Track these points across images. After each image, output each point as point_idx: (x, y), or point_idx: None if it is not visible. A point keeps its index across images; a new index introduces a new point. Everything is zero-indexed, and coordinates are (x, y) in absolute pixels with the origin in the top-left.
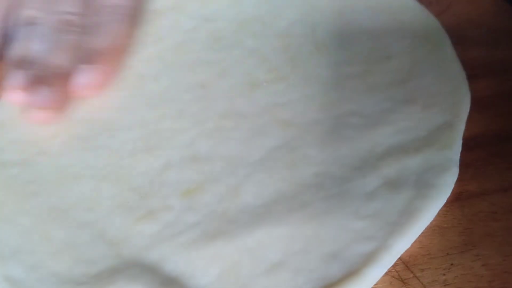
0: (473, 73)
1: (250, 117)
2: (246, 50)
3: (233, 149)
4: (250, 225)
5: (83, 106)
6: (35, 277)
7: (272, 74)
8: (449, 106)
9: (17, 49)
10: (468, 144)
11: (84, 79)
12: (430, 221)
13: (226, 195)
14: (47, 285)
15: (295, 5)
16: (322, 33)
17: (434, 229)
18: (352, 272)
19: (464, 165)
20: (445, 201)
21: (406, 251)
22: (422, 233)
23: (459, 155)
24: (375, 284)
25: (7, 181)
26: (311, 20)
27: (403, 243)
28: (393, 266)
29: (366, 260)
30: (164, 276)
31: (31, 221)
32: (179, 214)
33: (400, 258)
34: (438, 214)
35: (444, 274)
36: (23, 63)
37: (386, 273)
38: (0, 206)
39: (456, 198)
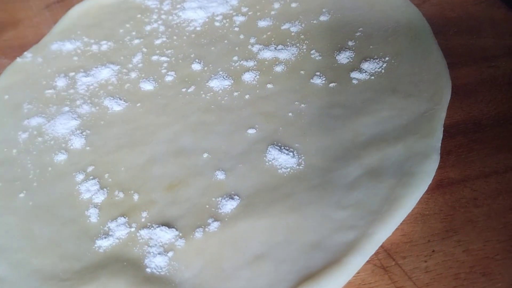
0: (454, 61)
1: (233, 110)
2: (230, 43)
3: (216, 143)
4: (233, 218)
5: None
6: (19, 274)
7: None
8: (430, 95)
9: None
10: (450, 131)
11: None
12: (412, 208)
13: (209, 188)
14: (31, 282)
15: None
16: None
17: (416, 217)
18: (334, 261)
19: (445, 152)
20: (427, 188)
21: (388, 239)
22: (404, 220)
23: (440, 142)
24: (357, 273)
25: None
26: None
27: (384, 231)
28: (375, 254)
29: (348, 249)
30: (147, 271)
31: (15, 219)
32: (163, 208)
33: (382, 246)
34: (420, 202)
35: (425, 261)
36: None
37: (368, 261)
38: None
39: (438, 185)
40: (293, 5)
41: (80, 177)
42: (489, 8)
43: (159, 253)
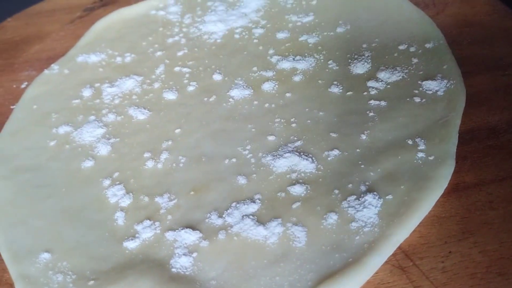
0: (468, 70)
1: (253, 118)
2: (249, 54)
3: (237, 149)
4: (255, 221)
5: None
6: (49, 275)
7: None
8: (445, 102)
9: None
10: (465, 138)
11: None
12: (428, 211)
13: (231, 192)
14: (60, 282)
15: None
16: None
17: (432, 219)
18: (353, 261)
19: (461, 157)
20: (443, 192)
21: (405, 240)
22: (421, 223)
23: (455, 148)
24: (376, 273)
25: (21, 186)
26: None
27: (402, 233)
28: (393, 255)
29: (367, 250)
30: (173, 271)
31: (45, 223)
32: (187, 211)
33: (399, 248)
34: (436, 205)
35: (442, 262)
36: None
37: (387, 262)
38: (15, 209)
39: (454, 189)
40: (310, 17)
41: (106, 182)
42: (501, 19)
43: (184, 254)
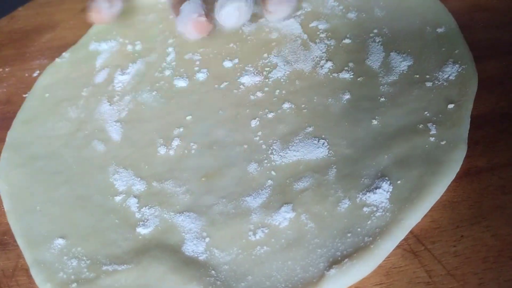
0: (480, 54)
1: (264, 104)
2: (260, 41)
3: (248, 136)
4: (266, 206)
5: None
6: (64, 260)
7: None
8: (457, 87)
9: None
10: (477, 122)
11: None
12: (440, 196)
13: (242, 178)
14: (75, 267)
15: None
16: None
17: (444, 204)
18: (365, 245)
19: (473, 142)
20: (455, 176)
21: (417, 225)
22: (433, 207)
23: (467, 132)
24: (387, 257)
25: (35, 173)
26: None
27: (413, 217)
28: (404, 239)
29: (378, 234)
30: (186, 256)
31: (59, 209)
32: (199, 197)
33: (411, 232)
34: (448, 189)
35: (454, 246)
36: None
37: (398, 246)
38: (30, 196)
39: (466, 174)
40: (320, 6)
41: (118, 169)
42: None
43: (196, 238)
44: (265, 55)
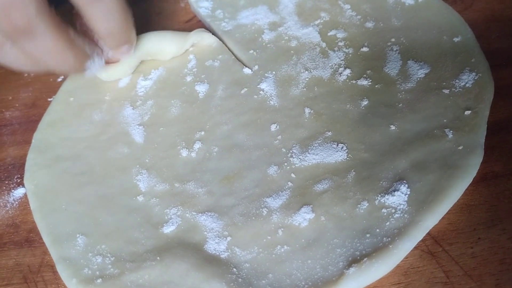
0: (496, 63)
1: (283, 110)
2: (278, 49)
3: (268, 139)
4: (286, 207)
5: None
6: (89, 256)
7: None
8: (474, 94)
9: None
10: (493, 129)
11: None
12: (457, 199)
13: (262, 180)
14: (100, 263)
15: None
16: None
17: (461, 207)
18: (383, 246)
19: (489, 147)
20: (471, 181)
21: (435, 227)
22: (450, 210)
23: (484, 138)
24: (405, 257)
25: (60, 174)
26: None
27: (431, 219)
28: (422, 241)
29: (396, 235)
30: (208, 254)
31: (83, 209)
32: (220, 198)
33: (429, 234)
34: (465, 193)
35: (471, 247)
36: None
37: (416, 247)
38: (55, 196)
39: (482, 178)
40: (338, 15)
41: (141, 170)
42: None
43: (218, 237)
44: (284, 62)
